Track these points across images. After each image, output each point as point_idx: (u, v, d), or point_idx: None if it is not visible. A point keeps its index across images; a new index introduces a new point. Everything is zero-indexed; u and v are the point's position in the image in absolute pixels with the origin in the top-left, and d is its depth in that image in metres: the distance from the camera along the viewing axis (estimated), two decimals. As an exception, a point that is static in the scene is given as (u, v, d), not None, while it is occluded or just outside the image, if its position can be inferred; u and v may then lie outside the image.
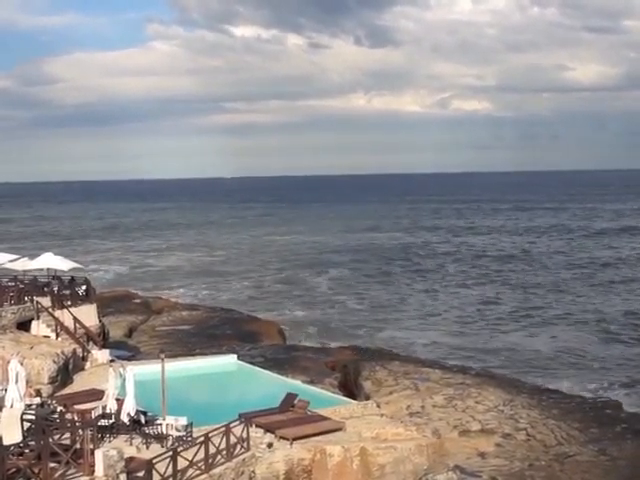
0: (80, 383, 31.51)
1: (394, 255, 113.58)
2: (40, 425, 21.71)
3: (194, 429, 23.56)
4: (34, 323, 36.16)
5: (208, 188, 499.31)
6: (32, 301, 36.63)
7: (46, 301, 36.80)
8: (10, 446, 20.42)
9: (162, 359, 25.59)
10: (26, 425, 22.31)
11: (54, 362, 30.99)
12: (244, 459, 22.83)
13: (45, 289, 38.25)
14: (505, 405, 33.25)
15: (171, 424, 23.77)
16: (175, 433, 23.48)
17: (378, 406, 29.66)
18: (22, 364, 26.63)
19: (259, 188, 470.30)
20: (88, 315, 37.54)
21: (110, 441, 23.54)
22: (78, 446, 20.38)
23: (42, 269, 40.92)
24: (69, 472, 19.91)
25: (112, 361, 34.69)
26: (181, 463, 20.99)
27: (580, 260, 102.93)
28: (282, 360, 42.32)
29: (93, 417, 24.60)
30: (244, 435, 23.16)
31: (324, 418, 26.47)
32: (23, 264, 40.43)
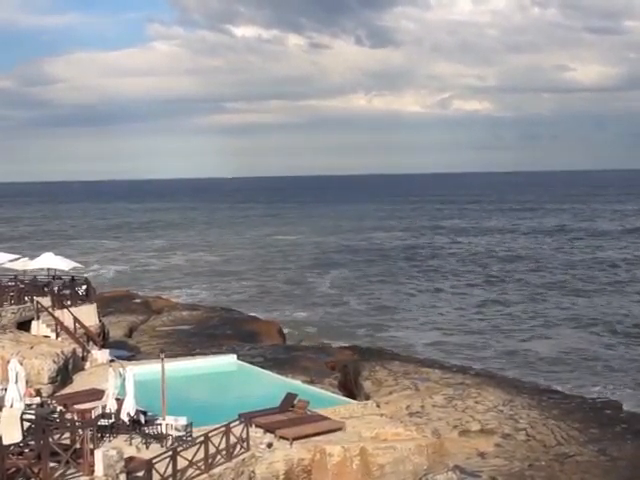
0: (80, 383, 31.49)
1: (394, 255, 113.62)
2: (40, 425, 21.69)
3: (194, 429, 23.56)
4: (34, 323, 36.15)
5: (209, 188, 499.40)
6: (32, 301, 36.62)
7: (46, 301, 36.78)
8: (10, 446, 20.41)
9: (162, 359, 25.60)
10: (26, 425, 22.29)
11: (54, 362, 30.98)
12: (244, 459, 22.83)
13: (45, 289, 38.23)
14: (505, 405, 33.25)
15: (171, 424, 23.77)
16: (175, 433, 23.47)
17: (378, 406, 29.66)
18: (22, 364, 26.64)
19: (260, 188, 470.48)
20: (88, 315, 37.53)
21: (110, 441, 23.54)
22: (78, 446, 20.37)
23: (42, 269, 40.91)
24: (69, 472, 19.90)
25: (112, 361, 34.68)
26: (181, 463, 20.99)
27: (582, 261, 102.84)
28: (282, 360, 42.33)
29: (93, 417, 24.61)
30: (244, 435, 23.16)
31: (324, 418, 26.46)
32: (23, 264, 40.42)
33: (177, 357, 38.52)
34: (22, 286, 38.08)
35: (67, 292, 38.48)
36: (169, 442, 23.04)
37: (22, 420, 22.38)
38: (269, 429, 25.11)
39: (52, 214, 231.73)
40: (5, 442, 20.48)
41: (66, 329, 35.61)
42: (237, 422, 23.41)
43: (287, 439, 24.30)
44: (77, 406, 26.56)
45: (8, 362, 26.62)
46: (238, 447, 22.91)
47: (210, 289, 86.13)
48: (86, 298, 38.66)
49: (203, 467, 21.58)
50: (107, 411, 24.76)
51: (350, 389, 37.55)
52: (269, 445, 23.88)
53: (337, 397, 31.49)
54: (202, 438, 21.87)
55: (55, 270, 40.63)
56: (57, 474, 19.73)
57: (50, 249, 46.01)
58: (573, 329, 62.13)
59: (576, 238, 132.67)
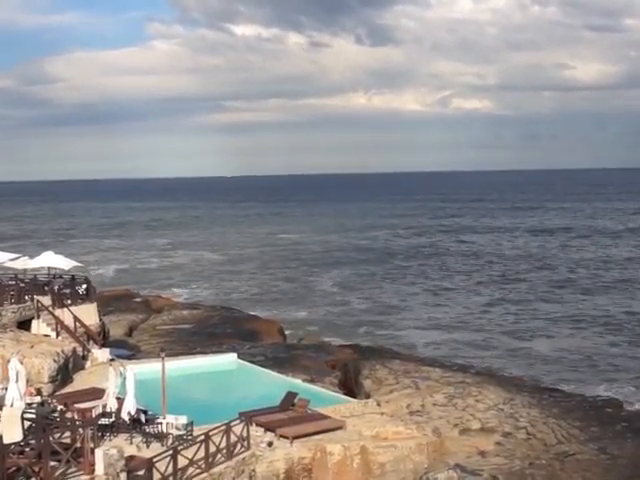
0: (80, 382, 31.49)
1: (395, 254, 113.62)
2: (40, 424, 21.69)
3: (194, 428, 23.56)
4: (34, 322, 36.14)
5: (208, 187, 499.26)
6: (32, 300, 36.60)
7: (46, 300, 36.77)
8: (10, 445, 20.41)
9: (162, 358, 25.60)
10: (26, 424, 22.30)
11: (54, 361, 30.97)
12: (244, 458, 22.83)
13: (45, 288, 38.23)
14: (505, 404, 33.24)
15: (171, 423, 23.78)
16: (175, 432, 23.47)
17: (378, 405, 29.67)
18: (22, 363, 26.64)
19: (260, 187, 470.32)
20: (88, 314, 37.52)
21: (110, 440, 23.52)
22: (78, 445, 20.38)
23: (42, 268, 40.91)
24: (69, 471, 19.91)
25: (112, 360, 34.67)
26: (181, 462, 20.98)
27: (584, 260, 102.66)
28: (282, 359, 42.34)
29: (93, 416, 24.62)
30: (244, 434, 23.16)
31: (324, 417, 26.46)
32: (23, 263, 40.40)
33: (177, 356, 38.52)
34: (22, 285, 38.08)
35: (67, 291, 38.45)
36: (170, 441, 23.04)
37: (23, 419, 22.38)
38: (269, 428, 25.11)
39: (52, 213, 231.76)
40: (6, 441, 20.50)
41: (66, 328, 35.61)
42: (237, 421, 23.41)
43: (287, 438, 24.30)
44: (77, 405, 26.55)
45: (8, 361, 26.61)
46: (239, 446, 22.91)
47: (211, 288, 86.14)
48: (86, 297, 38.64)
49: (204, 466, 21.58)
50: (107, 410, 24.76)
51: (350, 388, 37.54)
52: (269, 444, 23.89)
53: (337, 396, 31.49)
54: (203, 437, 21.87)
55: (55, 269, 40.63)
56: (58, 473, 19.73)
57: (50, 248, 46.00)
58: (574, 328, 62.09)
59: (578, 237, 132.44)
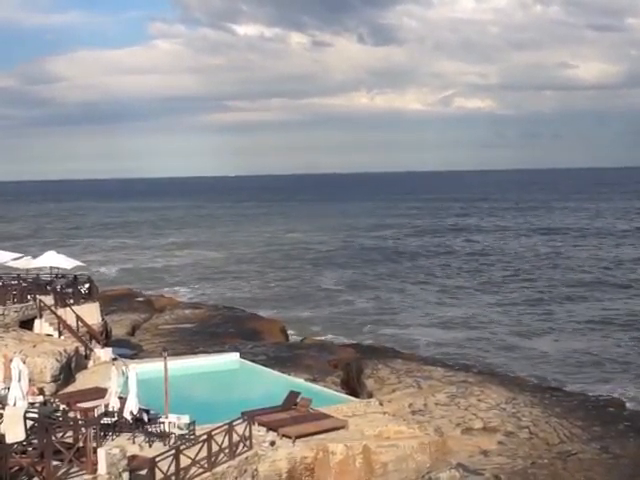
0: (83, 381, 31.53)
1: (397, 253, 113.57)
2: (43, 423, 21.71)
3: (197, 427, 23.58)
4: (37, 322, 36.19)
5: (212, 186, 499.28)
6: (35, 300, 36.65)
7: (49, 299, 36.81)
8: (13, 444, 20.45)
9: (165, 357, 25.60)
10: (29, 423, 22.31)
11: (57, 360, 31.01)
12: (247, 457, 22.84)
13: (48, 287, 38.28)
14: (507, 403, 33.21)
15: (174, 422, 23.78)
16: (178, 431, 23.48)
17: (381, 404, 29.68)
18: (25, 362, 26.70)
19: (262, 186, 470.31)
20: (91, 313, 37.55)
21: (113, 439, 23.55)
22: (81, 444, 20.40)
23: (45, 267, 40.95)
24: (72, 470, 19.93)
25: (115, 359, 34.71)
26: (184, 461, 21.00)
27: (589, 260, 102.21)
28: (285, 358, 42.34)
29: (96, 415, 24.63)
30: (247, 433, 23.17)
31: (327, 416, 26.47)
32: (26, 262, 40.44)
33: (180, 355, 38.58)
34: (25, 285, 38.14)
35: (70, 290, 38.51)
36: (172, 440, 23.06)
37: (25, 419, 22.38)
38: (272, 427, 25.13)
39: (55, 213, 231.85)
40: (8, 441, 20.53)
41: (69, 328, 35.65)
42: (240, 420, 23.43)
43: (290, 437, 24.32)
44: (80, 404, 26.57)
45: (11, 361, 26.66)
46: (241, 445, 22.92)
47: (213, 287, 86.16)
48: (89, 296, 38.68)
49: (206, 465, 21.60)
50: (110, 409, 24.80)
51: (353, 387, 37.55)
52: (272, 443, 23.91)
53: (340, 395, 31.51)
54: (205, 436, 21.88)
55: (58, 269, 40.66)
56: (60, 472, 19.76)
57: (53, 248, 46.04)
58: (577, 327, 62.02)
59: (583, 236, 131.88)
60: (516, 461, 27.66)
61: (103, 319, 39.47)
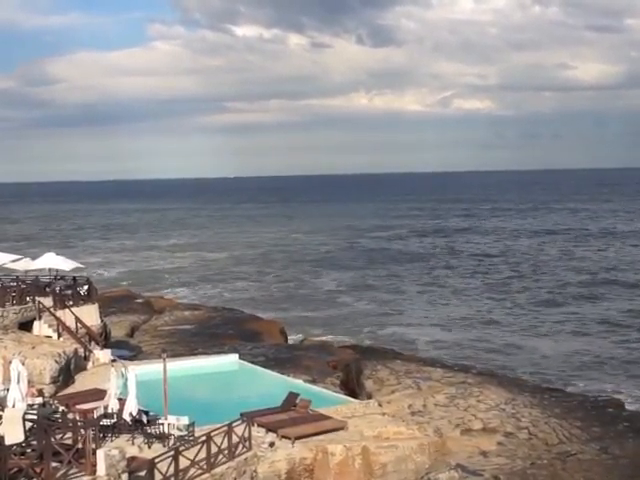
0: (82, 383, 31.52)
1: (397, 254, 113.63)
2: (42, 425, 21.71)
3: (196, 428, 23.58)
4: (36, 323, 36.19)
5: (211, 188, 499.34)
6: (34, 301, 36.66)
7: (48, 301, 36.82)
8: (12, 446, 20.43)
9: (164, 359, 25.61)
10: (28, 425, 22.32)
11: (56, 362, 31.01)
12: (246, 458, 22.84)
13: (47, 289, 38.27)
14: (507, 404, 33.20)
15: (173, 424, 23.78)
16: (177, 433, 23.49)
17: (380, 405, 29.69)
18: (24, 364, 26.68)
19: (262, 188, 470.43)
20: (90, 315, 37.57)
21: (112, 441, 23.54)
22: (80, 446, 20.39)
23: (44, 269, 40.94)
24: (71, 472, 19.92)
25: (114, 361, 34.72)
26: (183, 462, 21.00)
27: (590, 261, 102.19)
28: (284, 359, 42.32)
29: (95, 417, 24.63)
30: (246, 434, 23.17)
31: (326, 417, 26.48)
32: (25, 264, 40.45)
33: (179, 357, 38.56)
34: (24, 286, 38.11)
35: (69, 292, 38.52)
36: (171, 442, 23.05)
37: (24, 420, 22.40)
38: (271, 428, 25.14)
39: (54, 214, 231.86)
40: (7, 442, 20.51)
41: (68, 329, 35.65)
42: (239, 421, 23.42)
43: (289, 438, 24.32)
44: (79, 406, 26.58)
45: (10, 362, 26.67)
46: (240, 446, 22.92)
47: (213, 288, 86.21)
48: (88, 298, 38.70)
49: (205, 467, 21.59)
50: (109, 411, 24.79)
51: (352, 388, 37.53)
52: (271, 444, 23.91)
53: (339, 396, 31.53)
54: (204, 438, 21.88)
55: (57, 270, 40.65)
56: (59, 474, 19.75)
57: (52, 249, 46.02)
58: (577, 328, 62.07)
59: (584, 237, 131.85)
60: (515, 462, 27.65)
61: (102, 320, 39.49)
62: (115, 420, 24.30)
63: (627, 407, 36.04)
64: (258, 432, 24.71)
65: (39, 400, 27.05)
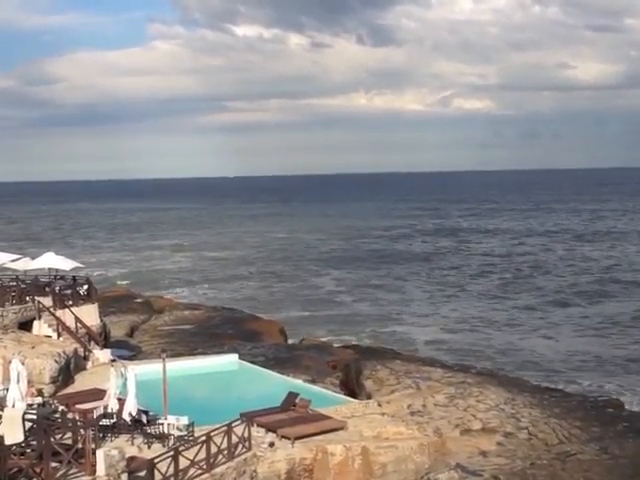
0: (81, 383, 31.50)
1: (397, 255, 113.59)
2: (42, 425, 21.70)
3: (196, 429, 23.56)
4: (36, 323, 36.18)
5: (211, 187, 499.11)
6: (34, 301, 36.65)
7: (47, 301, 36.81)
8: (12, 446, 20.42)
9: (163, 358, 25.61)
10: (28, 425, 22.30)
11: (55, 362, 31.00)
12: (246, 458, 22.83)
13: (46, 289, 38.25)
14: (506, 404, 33.19)
15: (173, 424, 23.77)
16: (177, 433, 23.48)
17: (379, 405, 29.66)
18: (23, 364, 26.65)
19: (262, 187, 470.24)
20: (89, 315, 37.55)
21: (112, 441, 23.53)
22: (80, 446, 20.38)
23: (44, 269, 40.91)
24: (71, 472, 19.91)
25: (113, 361, 34.69)
26: (182, 463, 20.98)
27: (591, 261, 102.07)
28: (283, 359, 42.30)
29: (95, 417, 24.62)
30: (246, 434, 23.15)
31: (326, 417, 26.47)
32: (24, 264, 40.41)
33: (179, 357, 38.55)
34: (23, 286, 38.11)
35: (68, 292, 38.50)
36: (171, 442, 23.04)
37: (24, 420, 22.38)
38: (271, 428, 25.12)
39: (54, 214, 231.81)
40: (7, 442, 20.50)
41: (67, 329, 35.63)
42: (239, 422, 23.40)
43: (289, 438, 24.30)
44: (79, 406, 26.57)
45: (10, 362, 26.64)
46: (240, 447, 22.91)
47: (212, 288, 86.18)
48: (87, 298, 38.68)
49: (205, 467, 21.58)
50: (109, 411, 24.77)
51: (352, 388, 37.52)
52: (271, 444, 23.89)
53: (339, 396, 31.51)
54: (204, 438, 21.87)
55: (56, 270, 40.63)
56: (59, 474, 19.75)
57: (52, 249, 46.02)
58: (577, 329, 62.09)
59: (584, 237, 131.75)
60: (515, 462, 27.64)
61: (102, 320, 39.49)
62: (115, 420, 24.28)
63: (627, 407, 36.05)
64: (258, 432, 24.69)
65: (39, 400, 27.06)
